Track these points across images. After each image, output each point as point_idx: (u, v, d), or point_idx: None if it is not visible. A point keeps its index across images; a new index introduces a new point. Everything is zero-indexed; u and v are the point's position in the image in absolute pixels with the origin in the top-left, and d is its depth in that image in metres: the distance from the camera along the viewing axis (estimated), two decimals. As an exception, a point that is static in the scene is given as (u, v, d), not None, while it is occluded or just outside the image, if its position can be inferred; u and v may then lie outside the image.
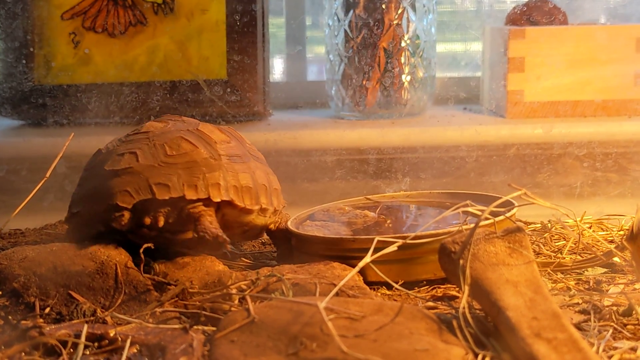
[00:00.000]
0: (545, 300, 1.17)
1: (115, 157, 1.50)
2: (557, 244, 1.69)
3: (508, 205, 1.41)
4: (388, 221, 1.71)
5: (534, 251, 1.65)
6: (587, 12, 2.37)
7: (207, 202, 1.47)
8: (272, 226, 1.63)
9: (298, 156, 2.06)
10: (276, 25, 2.53)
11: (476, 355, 1.12)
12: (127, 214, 1.45)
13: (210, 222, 1.46)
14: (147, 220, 1.46)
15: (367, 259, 1.27)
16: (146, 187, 1.45)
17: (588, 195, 2.08)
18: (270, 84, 2.29)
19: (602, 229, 1.76)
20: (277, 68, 2.55)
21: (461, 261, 1.24)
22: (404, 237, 1.35)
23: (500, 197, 1.33)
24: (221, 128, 1.60)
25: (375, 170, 2.08)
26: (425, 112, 2.31)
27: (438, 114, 2.29)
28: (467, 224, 1.34)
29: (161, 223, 1.46)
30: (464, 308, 1.20)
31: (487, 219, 1.33)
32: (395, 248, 1.31)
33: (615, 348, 1.17)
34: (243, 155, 1.56)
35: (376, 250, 1.28)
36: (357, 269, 1.26)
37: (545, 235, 1.73)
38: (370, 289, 1.44)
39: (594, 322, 1.27)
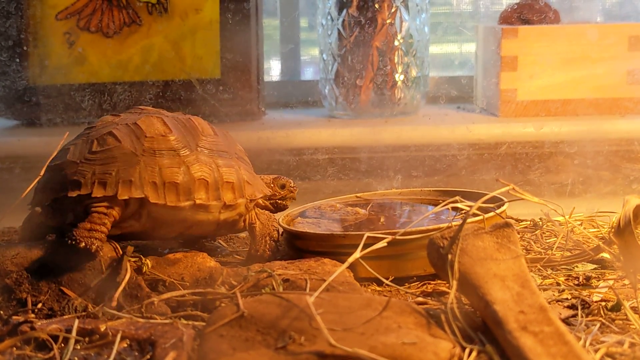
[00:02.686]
0: (532, 294, 1.18)
1: (59, 152, 1.52)
2: (547, 240, 1.70)
3: (497, 200, 1.41)
4: (382, 219, 1.71)
5: (525, 248, 1.66)
6: (581, 10, 2.37)
7: (112, 200, 1.45)
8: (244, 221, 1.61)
9: (290, 154, 2.07)
10: (271, 27, 2.54)
11: (464, 348, 1.13)
12: (39, 210, 1.47)
13: (90, 227, 1.42)
14: (69, 217, 1.46)
15: (357, 254, 1.28)
16: (64, 184, 1.46)
17: (579, 193, 2.09)
18: (265, 83, 2.30)
19: (592, 225, 1.77)
20: (271, 67, 2.56)
21: (449, 256, 1.25)
22: (394, 233, 1.36)
23: (491, 194, 1.33)
24: (176, 118, 1.57)
25: (367, 168, 2.09)
26: (418, 111, 2.31)
27: (431, 112, 2.30)
28: (456, 220, 1.35)
29: (69, 220, 1.46)
30: (452, 302, 1.20)
31: (476, 214, 1.34)
32: (385, 244, 1.32)
33: (603, 342, 1.18)
34: (185, 148, 1.52)
35: (366, 247, 1.29)
36: (346, 264, 1.27)
37: (536, 232, 1.74)
38: (361, 285, 1.44)
39: (582, 316, 1.28)
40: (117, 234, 1.48)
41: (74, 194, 1.44)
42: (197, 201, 1.49)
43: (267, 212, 1.66)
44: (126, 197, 1.44)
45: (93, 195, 1.43)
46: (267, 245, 1.60)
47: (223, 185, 1.52)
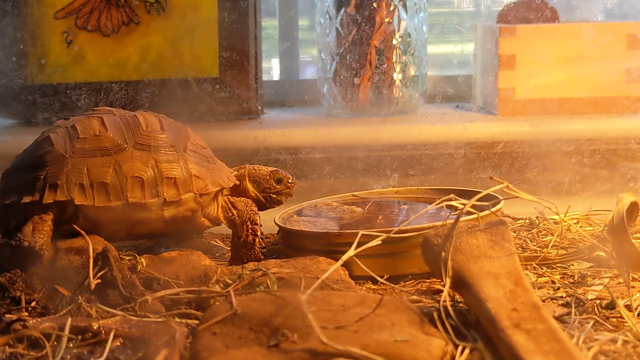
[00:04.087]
0: (525, 292, 1.17)
1: None
2: (544, 239, 1.70)
3: (491, 198, 1.41)
4: (380, 217, 1.71)
5: (521, 246, 1.65)
6: (580, 9, 2.37)
7: (42, 204, 1.46)
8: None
9: (287, 153, 2.07)
10: (270, 27, 2.54)
11: (457, 346, 1.13)
12: None
13: (32, 228, 1.44)
14: (12, 224, 1.49)
15: (351, 252, 1.28)
16: (3, 192, 1.50)
17: (577, 191, 2.09)
18: (264, 82, 2.30)
19: (589, 224, 1.76)
20: (270, 67, 2.56)
21: (443, 253, 1.25)
22: (388, 232, 1.35)
23: (485, 192, 1.33)
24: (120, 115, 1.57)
25: (364, 166, 2.09)
26: (417, 110, 2.31)
27: (430, 111, 2.29)
28: (452, 218, 1.35)
29: (12, 226, 1.48)
30: (445, 300, 1.20)
31: (471, 212, 1.34)
32: (380, 242, 1.32)
33: (596, 340, 1.17)
34: (119, 147, 1.51)
35: (362, 245, 1.29)
36: (340, 262, 1.27)
37: (532, 231, 1.73)
38: (356, 283, 1.44)
39: (575, 314, 1.27)
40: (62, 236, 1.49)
41: (6, 200, 1.47)
42: (131, 200, 1.48)
43: (244, 199, 1.63)
44: (50, 201, 1.45)
45: (22, 202, 1.46)
46: (250, 230, 1.58)
47: (163, 181, 1.51)
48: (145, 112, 1.59)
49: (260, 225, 1.61)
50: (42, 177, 1.47)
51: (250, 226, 1.59)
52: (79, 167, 1.47)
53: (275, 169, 1.69)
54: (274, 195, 1.68)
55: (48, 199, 1.45)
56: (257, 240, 1.59)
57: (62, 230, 1.48)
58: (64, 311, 1.30)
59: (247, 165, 1.70)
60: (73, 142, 1.50)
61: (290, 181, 1.69)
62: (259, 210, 1.64)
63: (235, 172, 1.67)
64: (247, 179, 1.67)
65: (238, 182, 1.65)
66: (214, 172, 1.59)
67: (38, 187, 1.46)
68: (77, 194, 1.46)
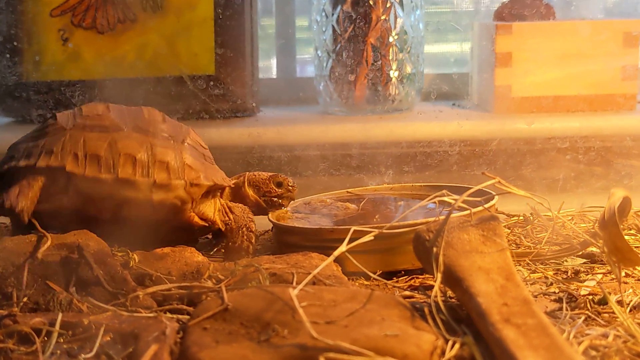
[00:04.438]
0: (516, 287, 1.17)
1: None
2: (538, 235, 1.69)
3: (485, 194, 1.41)
4: (374, 213, 1.71)
5: (515, 242, 1.65)
6: (576, 6, 2.37)
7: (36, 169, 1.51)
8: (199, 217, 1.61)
9: (282, 150, 2.07)
10: (270, 26, 2.54)
11: (447, 341, 1.13)
12: None
13: (18, 192, 1.49)
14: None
15: (343, 247, 1.27)
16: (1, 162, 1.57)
17: (572, 188, 2.08)
18: (260, 80, 2.30)
19: (583, 220, 1.76)
20: (267, 65, 2.56)
21: (434, 249, 1.25)
22: (380, 227, 1.35)
23: (476, 187, 1.33)
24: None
25: (359, 163, 2.09)
26: (413, 107, 2.31)
27: (426, 109, 2.29)
28: (443, 214, 1.35)
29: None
30: (436, 295, 1.20)
31: (463, 208, 1.34)
32: (372, 238, 1.31)
33: (588, 335, 1.17)
34: (117, 127, 1.54)
35: (354, 241, 1.29)
36: (331, 257, 1.27)
37: (527, 227, 1.73)
38: (349, 279, 1.44)
39: (567, 309, 1.27)
40: (50, 209, 1.52)
41: (6, 166, 1.52)
42: (121, 175, 1.50)
43: (240, 205, 1.64)
44: (43, 165, 1.49)
45: (19, 165, 1.50)
46: (245, 237, 1.59)
47: (155, 163, 1.53)
48: (150, 108, 1.62)
49: (256, 231, 1.61)
50: (40, 145, 1.52)
51: (245, 232, 1.60)
52: (75, 138, 1.51)
53: (274, 173, 1.70)
54: (275, 199, 1.68)
55: (41, 163, 1.49)
56: (251, 247, 1.60)
57: (54, 225, 1.50)
58: (55, 307, 1.30)
59: (247, 172, 1.71)
60: (75, 118, 1.54)
61: (290, 184, 1.69)
62: (260, 214, 1.65)
63: (235, 180, 1.68)
64: (246, 184, 1.68)
65: (233, 185, 1.66)
66: (209, 169, 1.59)
67: (35, 154, 1.51)
68: (70, 162, 1.50)
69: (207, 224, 1.62)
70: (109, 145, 1.51)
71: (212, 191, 1.61)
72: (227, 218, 1.61)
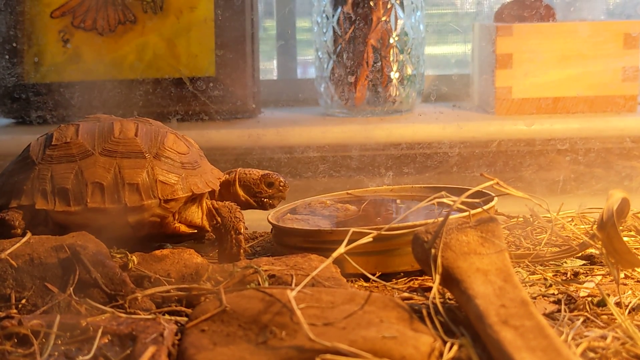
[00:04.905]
0: (514, 288, 1.17)
1: None
2: (538, 237, 1.69)
3: (482, 195, 1.41)
4: (374, 215, 1.71)
5: (514, 244, 1.65)
6: (577, 8, 2.37)
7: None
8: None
9: (282, 152, 2.07)
10: (269, 27, 2.54)
11: (445, 342, 1.12)
12: None
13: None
14: None
15: (341, 249, 1.27)
16: None
17: (572, 190, 2.08)
18: (261, 81, 2.30)
19: (583, 222, 1.76)
20: (269, 66, 2.56)
21: (433, 250, 1.25)
22: (379, 229, 1.35)
23: (474, 189, 1.33)
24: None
25: (359, 165, 2.09)
26: (414, 109, 2.31)
27: (427, 110, 2.29)
28: (442, 216, 1.34)
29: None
30: (434, 297, 1.20)
31: (462, 209, 1.34)
32: (370, 239, 1.31)
33: (586, 336, 1.17)
34: (85, 153, 1.55)
35: (353, 242, 1.28)
36: (330, 259, 1.26)
37: (527, 229, 1.73)
38: (349, 281, 1.44)
39: (565, 311, 1.27)
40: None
41: (16, 202, 1.55)
42: (90, 205, 1.52)
43: (228, 203, 1.61)
44: (15, 205, 1.54)
45: (36, 206, 1.53)
46: (234, 241, 1.57)
47: (125, 186, 1.53)
48: (125, 119, 1.60)
49: (246, 229, 1.60)
50: (12, 182, 1.56)
51: (234, 236, 1.58)
52: (43, 174, 1.54)
53: (266, 172, 1.68)
54: (265, 200, 1.67)
55: (13, 203, 1.54)
56: (241, 251, 1.57)
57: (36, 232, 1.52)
58: (54, 309, 1.30)
59: (239, 168, 1.69)
60: (45, 150, 1.57)
61: (282, 185, 1.67)
62: (251, 209, 1.64)
63: (226, 176, 1.66)
64: (237, 183, 1.67)
65: (220, 185, 1.64)
66: (189, 178, 1.56)
67: (7, 192, 1.56)
68: (39, 199, 1.53)
69: (195, 230, 1.61)
70: (75, 176, 1.53)
71: (196, 197, 1.59)
72: (214, 221, 1.59)
